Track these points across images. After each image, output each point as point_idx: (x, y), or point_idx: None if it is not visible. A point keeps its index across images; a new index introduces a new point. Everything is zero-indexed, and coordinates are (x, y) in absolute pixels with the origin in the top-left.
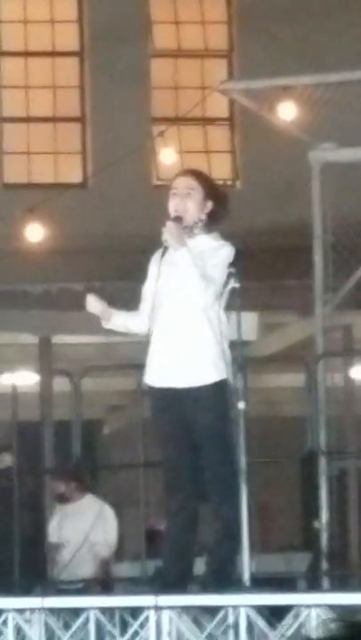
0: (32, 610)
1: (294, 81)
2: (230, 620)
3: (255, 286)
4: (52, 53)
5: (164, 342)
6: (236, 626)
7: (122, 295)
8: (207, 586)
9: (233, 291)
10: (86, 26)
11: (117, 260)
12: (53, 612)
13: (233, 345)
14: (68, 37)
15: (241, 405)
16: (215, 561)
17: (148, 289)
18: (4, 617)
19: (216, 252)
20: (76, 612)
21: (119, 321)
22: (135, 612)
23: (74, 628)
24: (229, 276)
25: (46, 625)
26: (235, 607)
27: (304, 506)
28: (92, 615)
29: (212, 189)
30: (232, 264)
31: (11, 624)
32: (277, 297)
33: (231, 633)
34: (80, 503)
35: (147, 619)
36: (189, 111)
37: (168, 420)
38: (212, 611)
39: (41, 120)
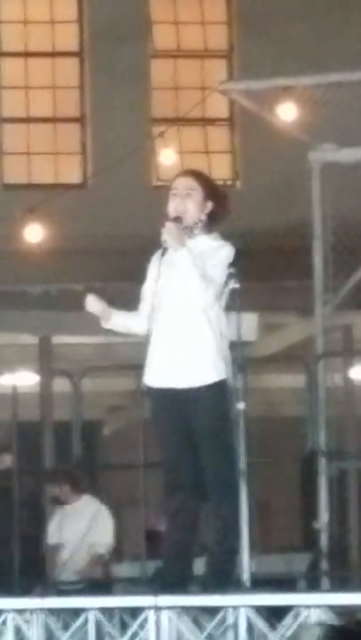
0: (32, 610)
1: (294, 81)
2: (230, 620)
3: (255, 287)
4: (52, 54)
5: (164, 343)
6: (235, 626)
7: (122, 296)
8: (207, 586)
9: (233, 291)
10: (86, 26)
11: (117, 260)
12: (53, 612)
13: (233, 345)
14: (68, 38)
15: (241, 406)
16: (215, 561)
17: (147, 289)
18: (3, 617)
19: (216, 253)
20: (76, 612)
21: (119, 321)
22: (135, 612)
23: (73, 628)
24: (229, 276)
25: (46, 625)
26: (234, 607)
27: (304, 506)
28: (92, 615)
29: (211, 190)
30: (232, 264)
31: (10, 624)
32: (277, 297)
33: (231, 633)
34: (77, 504)
35: (146, 619)
36: (189, 111)
37: (168, 421)
38: (211, 611)
39: (41, 120)
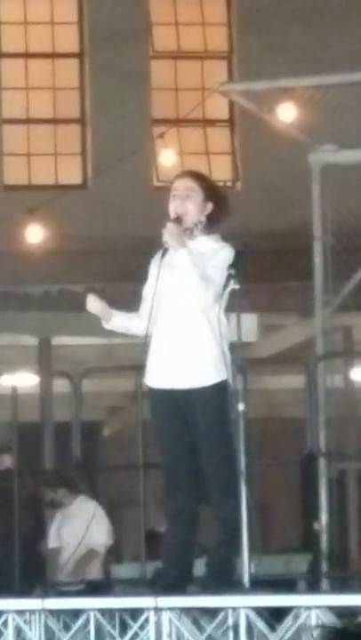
0: (32, 611)
1: (294, 82)
2: (230, 621)
3: (255, 288)
4: (52, 55)
5: (164, 344)
6: (235, 627)
7: (122, 296)
8: (207, 587)
9: (233, 292)
10: (86, 27)
11: (118, 261)
12: (53, 613)
13: (233, 346)
14: (68, 39)
15: (241, 407)
16: (215, 562)
17: (148, 290)
18: (4, 618)
19: (216, 254)
20: (76, 613)
21: (119, 322)
22: (135, 613)
23: (74, 629)
24: (229, 277)
25: (46, 626)
26: (235, 609)
27: (304, 507)
28: (92, 616)
29: (212, 191)
30: (232, 266)
31: (11, 625)
32: (277, 298)
33: (231, 634)
34: (74, 506)
35: (146, 620)
36: (189, 113)
37: (168, 422)
38: (211, 612)
39: (41, 121)
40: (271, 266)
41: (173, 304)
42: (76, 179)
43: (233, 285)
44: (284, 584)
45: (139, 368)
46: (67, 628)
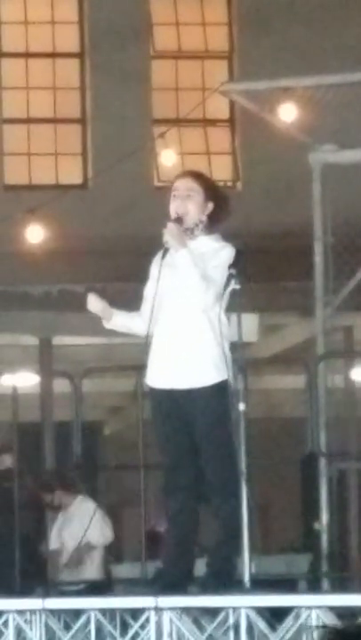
0: (33, 611)
1: (295, 82)
2: (231, 621)
3: (256, 288)
4: (53, 54)
5: (165, 343)
6: (236, 627)
7: (122, 296)
8: (208, 587)
9: (234, 292)
10: (87, 27)
11: (118, 261)
12: (54, 613)
13: (233, 346)
14: (69, 38)
15: (241, 407)
16: (216, 562)
17: (149, 290)
18: (4, 618)
19: (217, 254)
20: (77, 613)
21: (120, 321)
22: (136, 613)
23: (74, 629)
24: (230, 277)
25: (47, 626)
26: (235, 608)
27: (304, 507)
28: (93, 616)
29: (212, 191)
30: (233, 265)
31: (11, 625)
32: (278, 298)
33: (232, 634)
34: (72, 506)
35: (147, 620)
36: (190, 112)
37: (168, 422)
38: (212, 612)
39: (41, 121)
40: (272, 266)
41: (174, 304)
42: (77, 178)
43: (234, 285)
44: (284, 584)
45: (139, 368)
46: (67, 627)
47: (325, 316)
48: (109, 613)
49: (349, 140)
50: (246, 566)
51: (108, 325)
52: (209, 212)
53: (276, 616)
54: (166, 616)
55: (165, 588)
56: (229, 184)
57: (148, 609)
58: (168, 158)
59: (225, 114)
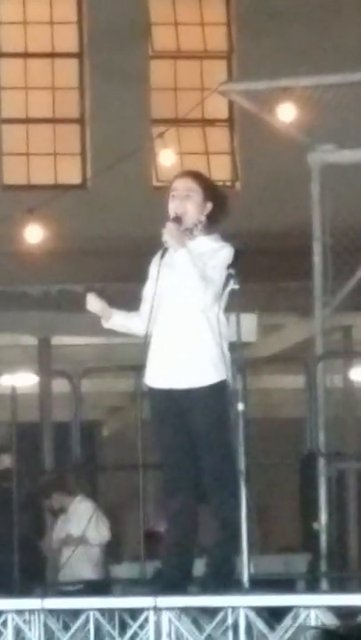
0: (31, 611)
1: (294, 82)
2: (229, 621)
3: (255, 288)
4: (52, 55)
5: (164, 343)
6: (235, 627)
7: (121, 296)
8: (206, 587)
9: (232, 292)
10: (86, 27)
11: (117, 261)
12: (53, 613)
13: (232, 346)
14: (68, 39)
15: (240, 407)
16: (215, 562)
17: (148, 290)
18: (3, 618)
19: (216, 254)
20: (76, 613)
21: (119, 321)
22: (134, 613)
23: (73, 629)
24: (229, 277)
25: (46, 626)
26: (234, 608)
27: (303, 507)
28: (92, 616)
29: (211, 191)
30: (231, 265)
31: (10, 625)
32: (277, 298)
33: (230, 634)
34: (71, 507)
35: (146, 620)
36: (189, 112)
37: (167, 421)
38: (211, 612)
39: (40, 121)
40: (271, 266)
41: (173, 304)
42: (76, 178)
43: (233, 285)
44: (283, 584)
45: (138, 368)
46: (66, 627)
47: (324, 316)
48: (108, 613)
49: (348, 140)
50: (245, 566)
51: (107, 325)
52: (208, 212)
53: (274, 616)
54: (165, 616)
55: (164, 588)
56: (228, 184)
57: (147, 609)
58: (167, 158)
59: (224, 114)
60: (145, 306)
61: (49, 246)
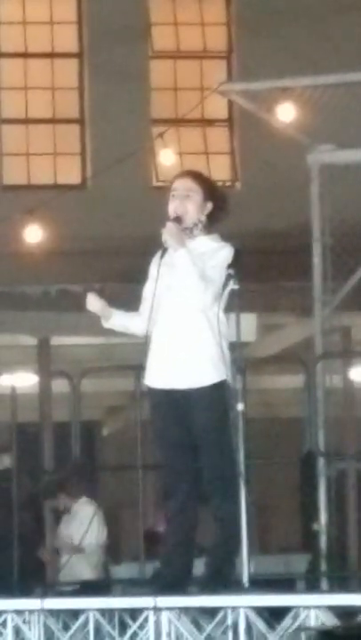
0: (31, 611)
1: (293, 82)
2: (229, 621)
3: (254, 288)
4: (52, 55)
5: (164, 343)
6: (235, 627)
7: (121, 297)
8: (206, 587)
9: (232, 292)
10: (85, 27)
11: (116, 261)
12: (53, 613)
13: (232, 346)
14: (68, 39)
15: (240, 406)
16: (214, 562)
17: (148, 290)
18: (3, 618)
19: (215, 254)
20: (76, 613)
21: (119, 321)
22: (134, 613)
23: (73, 629)
24: (229, 277)
25: (45, 626)
26: (234, 608)
27: (303, 507)
28: (92, 616)
29: (211, 191)
30: (231, 265)
31: (10, 625)
32: (276, 298)
33: (230, 634)
34: (75, 508)
35: (146, 620)
36: (188, 112)
37: (167, 422)
38: (211, 612)
39: (40, 121)
40: (270, 266)
41: (173, 304)
42: (75, 179)
43: (232, 285)
44: (283, 584)
45: (137, 368)
46: (66, 627)
47: (324, 317)
48: (108, 613)
49: (348, 140)
50: (245, 566)
51: (106, 325)
52: (208, 212)
53: (274, 616)
54: (165, 616)
55: (164, 588)
56: (228, 184)
57: (147, 609)
58: (167, 158)
59: (224, 114)
60: (145, 306)
61: (48, 246)
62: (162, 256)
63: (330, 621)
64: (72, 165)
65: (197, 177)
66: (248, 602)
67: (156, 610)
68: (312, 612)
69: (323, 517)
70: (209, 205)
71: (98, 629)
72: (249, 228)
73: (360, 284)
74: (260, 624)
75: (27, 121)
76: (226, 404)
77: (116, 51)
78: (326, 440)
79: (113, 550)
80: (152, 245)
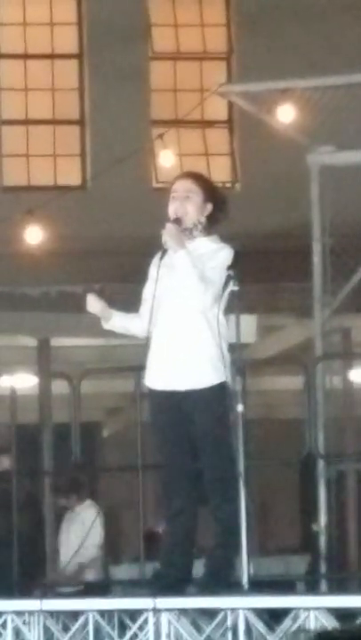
0: (31, 612)
1: (293, 83)
2: (229, 622)
3: (254, 289)
4: (52, 56)
5: (164, 345)
6: (234, 628)
7: (121, 297)
8: (206, 588)
9: (232, 293)
10: (85, 28)
11: (116, 262)
12: (52, 614)
13: (232, 347)
14: (68, 40)
15: (240, 408)
16: (214, 563)
17: (148, 291)
18: (3, 619)
19: (215, 255)
20: (75, 614)
21: (119, 322)
22: (134, 614)
23: (73, 630)
24: (228, 278)
25: (45, 627)
26: (233, 610)
27: (303, 508)
28: (91, 617)
29: (211, 192)
30: (231, 267)
31: (9, 626)
32: (276, 299)
33: (230, 635)
34: (78, 509)
35: (145, 621)
36: (188, 113)
37: (167, 423)
38: (210, 613)
39: (40, 122)
40: (270, 267)
41: (172, 305)
42: (75, 179)
43: (232, 286)
44: (282, 585)
45: (137, 369)
46: (66, 629)
47: (324, 318)
48: (108, 615)
49: (348, 141)
50: (245, 567)
51: (106, 326)
52: (208, 214)
53: (274, 617)
54: (164, 617)
55: (164, 590)
56: (228, 185)
57: (147, 610)
58: (167, 159)
59: (223, 115)
60: (145, 307)
61: (49, 247)
62: (162, 257)
63: (330, 623)
64: (72, 166)
65: (197, 178)
66: (248, 603)
67: (156, 611)
68: (312, 614)
69: (322, 519)
70: (209, 207)
71: (97, 630)
72: (249, 229)
73: (360, 286)
74: (259, 625)
75: (27, 122)
76: (226, 405)
77: (116, 52)
78: (326, 441)
79: (113, 551)
80: (152, 246)
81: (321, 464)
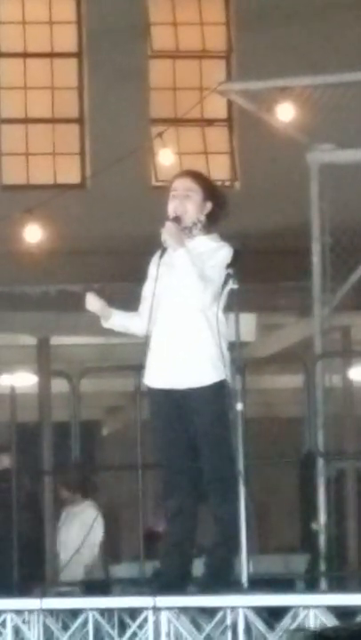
0: (31, 611)
1: (292, 82)
2: (228, 620)
3: (254, 287)
4: (51, 54)
5: (163, 343)
6: (234, 627)
7: (121, 296)
8: (205, 587)
9: (231, 292)
10: (85, 27)
11: (116, 261)
12: (52, 613)
13: (231, 346)
14: (67, 38)
15: (239, 406)
16: (214, 562)
17: (147, 290)
18: (2, 618)
19: (215, 253)
20: (75, 613)
21: (118, 321)
22: (134, 612)
23: (72, 629)
24: (228, 277)
25: (45, 626)
26: (233, 608)
27: (302, 507)
28: (91, 616)
29: (210, 190)
30: (230, 265)
31: (9, 625)
32: (276, 298)
33: (229, 634)
34: (79, 508)
35: (145, 620)
36: (188, 112)
37: (167, 421)
38: (210, 612)
39: (39, 121)
40: (270, 265)
41: (172, 303)
42: (75, 178)
43: (232, 285)
44: (282, 584)
45: (137, 368)
46: (65, 627)
47: (323, 316)
48: (107, 613)
49: (347, 139)
50: (244, 566)
51: (106, 325)
52: (207, 212)
53: (273, 616)
54: (164, 616)
55: (163, 588)
56: (227, 184)
57: (146, 609)
58: (166, 158)
59: (223, 113)
60: (144, 305)
61: (48, 246)
62: (161, 256)
63: (329, 621)
64: (71, 165)
65: (197, 177)
66: (247, 602)
67: (156, 610)
68: (311, 612)
69: (322, 517)
70: (208, 205)
71: (97, 629)
72: (248, 227)
73: (360, 284)
74: (259, 624)
75: (26, 120)
76: (225, 403)
77: (116, 50)
78: (326, 440)
79: (113, 549)
80: (151, 245)
81: (321, 462)
